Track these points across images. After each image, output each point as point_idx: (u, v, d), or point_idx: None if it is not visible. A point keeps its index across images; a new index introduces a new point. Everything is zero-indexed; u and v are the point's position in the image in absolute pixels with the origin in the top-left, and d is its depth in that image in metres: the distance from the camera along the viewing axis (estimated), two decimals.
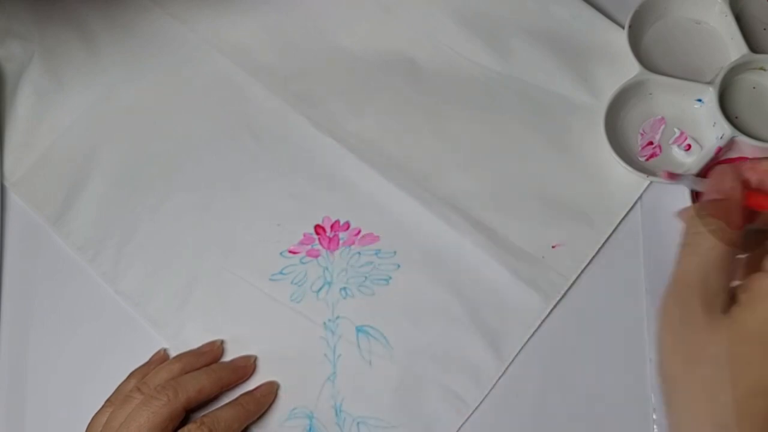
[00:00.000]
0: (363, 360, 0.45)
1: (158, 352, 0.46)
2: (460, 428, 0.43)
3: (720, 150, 0.46)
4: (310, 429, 0.44)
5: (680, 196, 0.46)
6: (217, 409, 0.42)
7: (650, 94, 0.48)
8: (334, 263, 0.47)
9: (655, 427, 0.43)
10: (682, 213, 0.37)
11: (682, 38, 0.50)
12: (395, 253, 0.47)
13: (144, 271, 0.48)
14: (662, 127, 0.48)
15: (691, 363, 0.32)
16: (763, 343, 0.30)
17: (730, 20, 0.48)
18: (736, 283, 0.33)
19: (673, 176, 0.41)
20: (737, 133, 0.45)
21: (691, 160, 0.47)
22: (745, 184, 0.35)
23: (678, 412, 0.32)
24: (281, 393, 0.44)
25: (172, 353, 0.46)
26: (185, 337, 0.46)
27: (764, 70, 0.48)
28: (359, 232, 0.47)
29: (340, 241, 0.47)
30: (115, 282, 0.48)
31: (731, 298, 0.32)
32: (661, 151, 0.48)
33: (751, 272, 0.32)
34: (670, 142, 0.48)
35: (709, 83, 0.47)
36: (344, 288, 0.46)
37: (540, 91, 0.49)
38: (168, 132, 0.51)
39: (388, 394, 0.44)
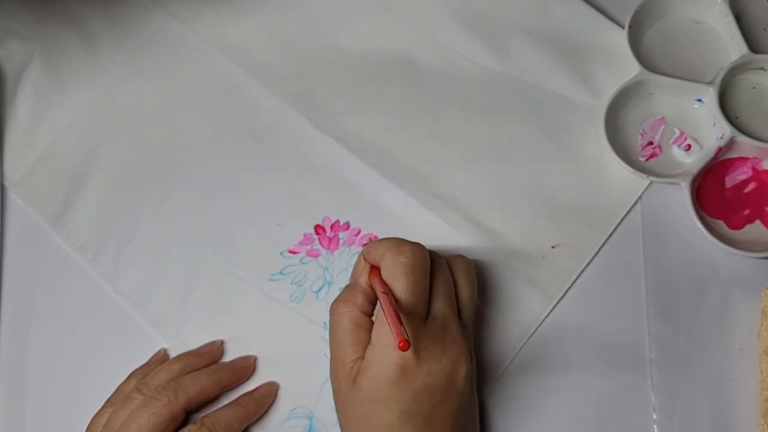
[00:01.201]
0: None
1: (158, 353, 0.46)
2: None
3: (720, 150, 0.46)
4: (310, 429, 0.44)
5: (680, 196, 0.46)
6: (217, 409, 0.42)
7: (650, 94, 0.48)
8: (334, 263, 0.47)
9: (655, 427, 0.43)
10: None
11: (682, 38, 0.50)
12: None
13: (144, 271, 0.48)
14: (662, 127, 0.48)
15: (348, 423, 0.39)
16: (376, 399, 0.37)
17: (730, 20, 0.48)
18: None
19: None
20: (737, 133, 0.45)
21: (691, 160, 0.47)
22: (373, 265, 0.40)
23: None
24: (281, 393, 0.44)
25: (172, 353, 0.46)
26: (185, 337, 0.46)
27: (764, 70, 0.48)
28: (359, 232, 0.47)
29: (340, 241, 0.47)
30: (115, 282, 0.48)
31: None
32: (661, 151, 0.48)
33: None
34: (670, 142, 0.48)
35: (709, 83, 0.47)
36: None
37: (540, 91, 0.49)
38: (168, 132, 0.51)
39: None
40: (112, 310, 0.47)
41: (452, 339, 0.38)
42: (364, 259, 0.41)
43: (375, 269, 0.40)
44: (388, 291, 0.37)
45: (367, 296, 0.39)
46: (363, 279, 0.40)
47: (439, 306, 0.39)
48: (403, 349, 0.33)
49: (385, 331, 0.36)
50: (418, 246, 0.39)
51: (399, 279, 0.38)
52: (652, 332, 0.44)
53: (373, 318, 0.40)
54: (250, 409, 0.43)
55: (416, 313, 0.38)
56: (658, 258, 0.46)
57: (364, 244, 0.47)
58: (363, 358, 0.38)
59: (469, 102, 0.50)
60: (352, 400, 0.38)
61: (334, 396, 0.40)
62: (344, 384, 0.38)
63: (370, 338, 0.38)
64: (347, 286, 0.41)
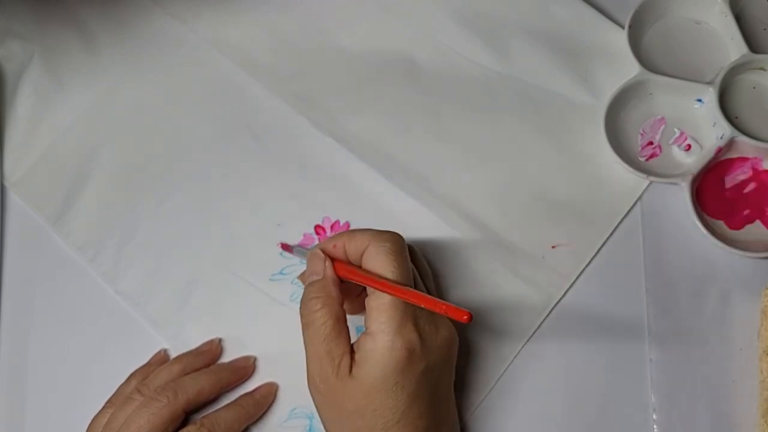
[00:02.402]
0: None
1: (158, 353, 0.46)
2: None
3: (720, 150, 0.46)
4: (310, 429, 0.44)
5: (680, 196, 0.46)
6: (217, 410, 0.42)
7: (650, 94, 0.48)
8: None
9: (655, 427, 0.43)
10: (302, 279, 0.42)
11: (682, 38, 0.50)
12: None
13: (144, 271, 0.48)
14: (662, 127, 0.48)
15: (341, 420, 0.38)
16: (381, 389, 0.36)
17: (730, 20, 0.48)
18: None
19: (286, 248, 0.46)
20: (737, 133, 0.45)
21: (691, 160, 0.47)
22: (334, 258, 0.40)
23: None
24: (281, 393, 0.44)
25: (172, 353, 0.46)
26: (185, 337, 0.46)
27: (764, 70, 0.48)
28: None
29: None
30: (115, 282, 0.48)
31: (351, 358, 0.37)
32: (661, 151, 0.48)
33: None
34: (670, 142, 0.48)
35: (709, 83, 0.47)
36: None
37: (540, 91, 0.49)
38: (168, 132, 0.51)
39: None
40: (112, 310, 0.47)
41: (440, 316, 0.39)
42: (324, 253, 0.40)
43: (341, 263, 0.40)
44: (381, 279, 0.37)
45: (339, 289, 0.39)
46: (330, 272, 0.39)
47: (422, 286, 0.40)
48: (468, 321, 0.33)
49: (384, 317, 0.36)
50: (394, 233, 0.40)
51: (390, 265, 0.37)
52: (652, 332, 0.44)
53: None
54: (250, 410, 0.43)
55: None
56: (658, 258, 0.46)
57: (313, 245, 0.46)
58: (351, 351, 0.37)
59: (468, 102, 0.50)
60: (346, 395, 0.37)
61: (317, 397, 0.39)
62: (334, 380, 0.37)
63: (347, 331, 0.38)
64: (312, 283, 0.40)
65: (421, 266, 0.43)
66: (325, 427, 0.39)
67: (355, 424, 0.37)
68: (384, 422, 0.36)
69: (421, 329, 0.37)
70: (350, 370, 0.37)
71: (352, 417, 0.37)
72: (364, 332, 0.37)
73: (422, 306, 0.36)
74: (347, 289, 0.40)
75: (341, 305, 0.39)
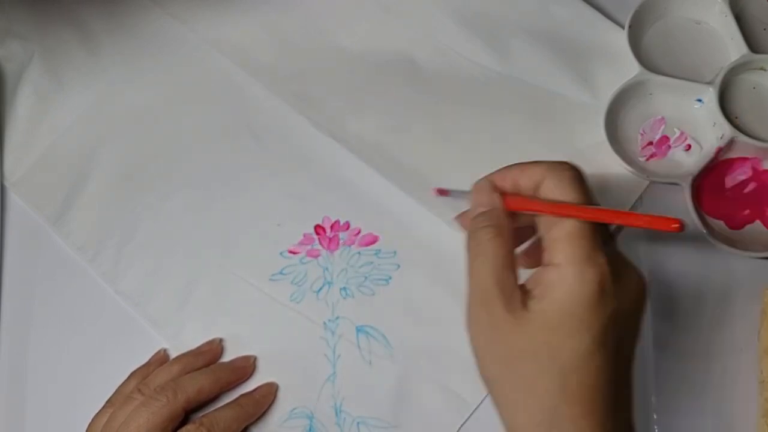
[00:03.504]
0: (363, 360, 0.45)
1: (158, 353, 0.46)
2: (460, 428, 0.43)
3: (720, 150, 0.46)
4: (310, 429, 0.44)
5: (680, 197, 0.46)
6: (216, 409, 0.42)
7: (650, 94, 0.48)
8: (334, 263, 0.47)
9: (655, 427, 0.43)
10: (462, 221, 0.40)
11: (682, 38, 0.50)
12: (395, 253, 0.47)
13: (144, 271, 0.48)
14: (662, 127, 0.48)
15: (507, 362, 0.33)
16: (563, 326, 0.32)
17: (730, 20, 0.48)
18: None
19: (442, 192, 0.42)
20: (737, 133, 0.45)
21: (691, 161, 0.47)
22: (503, 192, 0.37)
23: (507, 409, 0.34)
24: (281, 393, 0.44)
25: (172, 353, 0.46)
26: (185, 337, 0.46)
27: (764, 70, 0.48)
28: (359, 232, 0.47)
29: (340, 241, 0.47)
30: (115, 282, 0.48)
31: (523, 294, 0.33)
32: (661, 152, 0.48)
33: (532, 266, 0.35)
34: (670, 142, 0.48)
35: (709, 83, 0.47)
36: (344, 288, 0.46)
37: (540, 91, 0.49)
38: (168, 132, 0.51)
39: (388, 394, 0.44)
40: (112, 310, 0.47)
41: (626, 258, 0.35)
42: (494, 185, 0.37)
43: (511, 195, 0.37)
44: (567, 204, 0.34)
45: (510, 221, 0.36)
46: (499, 202, 0.36)
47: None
48: (680, 230, 0.31)
49: (570, 248, 0.32)
50: (570, 162, 0.36)
51: (575, 191, 0.34)
52: (652, 332, 0.44)
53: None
54: (249, 410, 0.43)
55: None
56: (658, 258, 0.46)
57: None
58: (518, 285, 0.34)
59: (469, 102, 0.50)
60: (519, 332, 0.33)
61: (478, 336, 0.34)
62: (503, 314, 0.33)
63: (516, 266, 0.34)
64: (481, 214, 0.36)
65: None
66: (483, 375, 0.35)
67: (524, 368, 0.33)
68: (560, 366, 0.32)
69: (611, 264, 0.33)
70: (524, 304, 0.33)
71: (521, 358, 0.33)
72: (544, 266, 0.33)
73: (620, 223, 0.33)
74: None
75: (513, 238, 0.35)
